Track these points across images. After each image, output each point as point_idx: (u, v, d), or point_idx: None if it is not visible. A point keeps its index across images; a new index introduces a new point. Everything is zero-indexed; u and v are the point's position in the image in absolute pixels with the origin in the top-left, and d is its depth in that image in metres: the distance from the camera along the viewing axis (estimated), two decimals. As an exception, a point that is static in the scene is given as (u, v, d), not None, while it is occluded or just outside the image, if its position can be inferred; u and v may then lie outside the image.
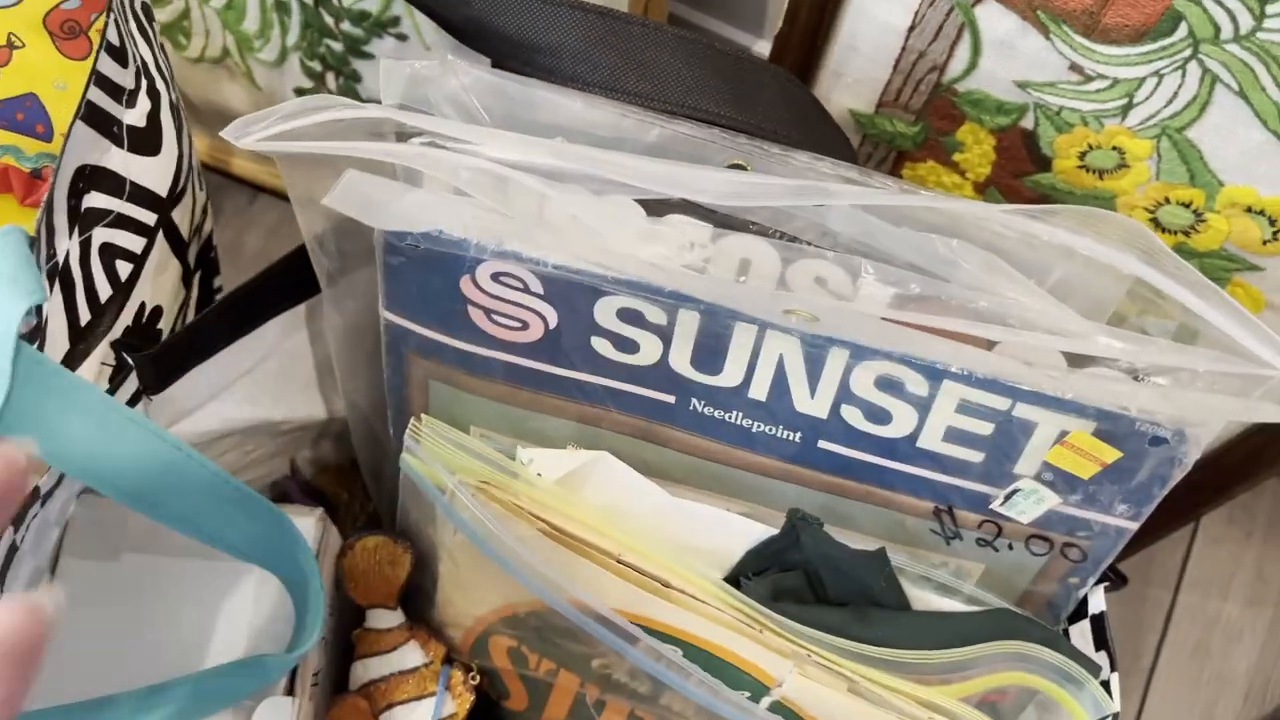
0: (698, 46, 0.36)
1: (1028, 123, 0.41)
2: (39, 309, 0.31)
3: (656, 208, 0.35)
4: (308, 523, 0.40)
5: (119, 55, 0.33)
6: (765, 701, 0.36)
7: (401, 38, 0.54)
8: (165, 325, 0.43)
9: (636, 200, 0.35)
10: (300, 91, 0.61)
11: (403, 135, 0.36)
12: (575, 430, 0.39)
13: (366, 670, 0.43)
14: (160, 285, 0.41)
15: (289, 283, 0.40)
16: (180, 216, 0.40)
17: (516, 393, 0.38)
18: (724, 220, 0.36)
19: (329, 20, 0.55)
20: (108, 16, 0.32)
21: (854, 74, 0.44)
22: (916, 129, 0.44)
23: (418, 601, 0.44)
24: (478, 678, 0.43)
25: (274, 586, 0.39)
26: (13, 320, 0.26)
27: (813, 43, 0.43)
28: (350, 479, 0.55)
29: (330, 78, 0.59)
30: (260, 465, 0.50)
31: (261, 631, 0.39)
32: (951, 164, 0.45)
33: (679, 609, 0.36)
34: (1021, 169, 0.43)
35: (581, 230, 0.34)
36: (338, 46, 0.56)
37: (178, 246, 0.41)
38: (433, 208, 0.33)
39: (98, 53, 0.32)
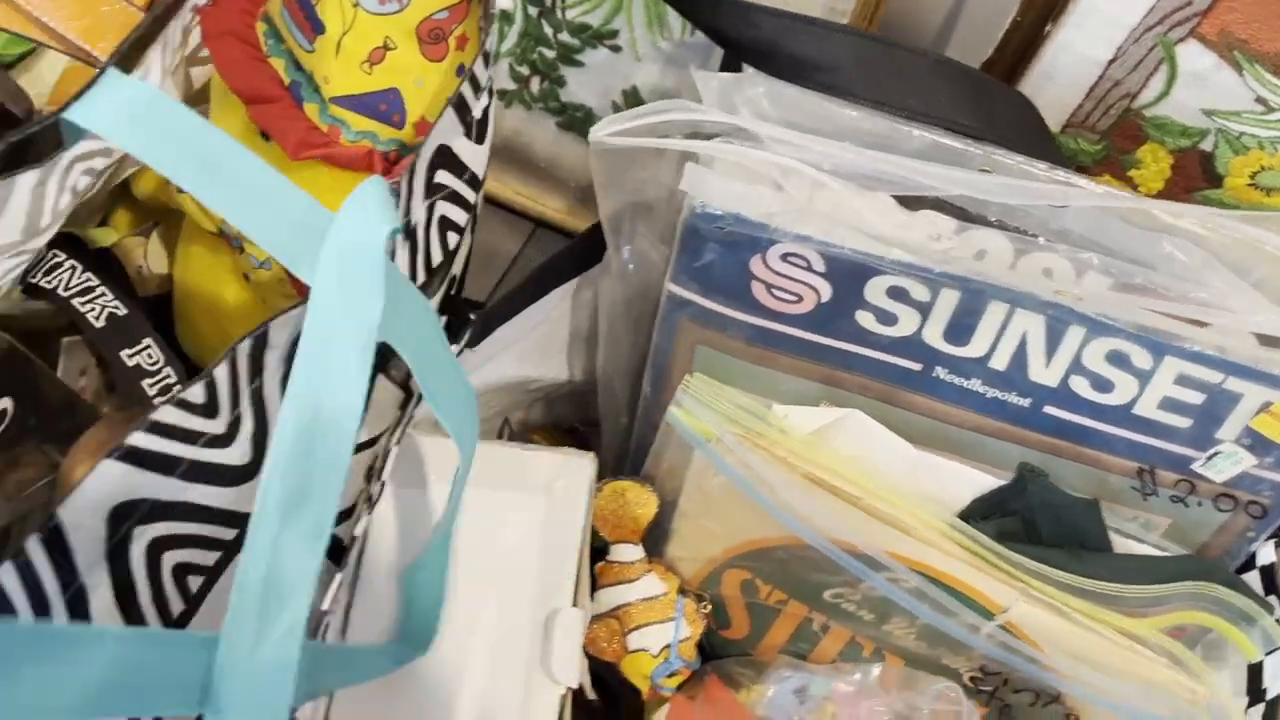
0: (953, 68, 0.42)
1: (1207, 145, 0.48)
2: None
3: (911, 203, 0.42)
4: (584, 463, 0.47)
5: (485, 58, 0.40)
6: (991, 624, 0.43)
7: (616, 49, 0.61)
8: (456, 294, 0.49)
9: (894, 196, 0.42)
10: (501, 94, 0.67)
11: (697, 133, 0.42)
12: (821, 391, 0.45)
13: (612, 597, 0.49)
14: (460, 258, 0.47)
15: (575, 257, 0.47)
16: (479, 199, 0.47)
17: (776, 357, 0.44)
18: (966, 215, 0.42)
19: (548, 30, 0.61)
20: (487, 26, 0.38)
21: (1046, 98, 0.50)
22: (1099, 147, 0.51)
23: (653, 537, 0.50)
24: (709, 607, 0.49)
25: (540, 510, 0.46)
26: (382, 238, 0.31)
27: (1014, 70, 0.50)
28: (553, 441, 0.62)
29: (535, 81, 0.66)
30: (485, 422, 0.57)
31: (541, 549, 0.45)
32: (1126, 178, 0.52)
33: (917, 544, 0.43)
34: (1193, 185, 0.50)
35: (850, 218, 0.41)
36: (550, 54, 0.63)
37: (474, 225, 0.48)
38: (746, 195, 0.40)
39: (477, 55, 0.39)
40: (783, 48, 0.43)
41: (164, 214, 0.55)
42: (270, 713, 0.28)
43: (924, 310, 0.41)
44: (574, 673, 0.43)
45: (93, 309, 0.47)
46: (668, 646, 0.48)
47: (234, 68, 0.42)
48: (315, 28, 0.41)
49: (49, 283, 0.47)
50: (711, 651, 0.52)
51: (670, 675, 0.48)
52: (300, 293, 0.47)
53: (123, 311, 0.48)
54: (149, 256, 0.55)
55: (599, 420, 0.61)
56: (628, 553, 0.49)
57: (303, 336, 0.29)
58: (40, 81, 0.53)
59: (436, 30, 0.41)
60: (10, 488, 0.43)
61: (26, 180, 0.37)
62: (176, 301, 0.53)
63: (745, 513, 0.45)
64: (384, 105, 0.42)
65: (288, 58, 0.42)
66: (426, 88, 0.42)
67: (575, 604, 0.45)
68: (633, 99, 0.63)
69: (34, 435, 0.46)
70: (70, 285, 0.47)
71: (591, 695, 0.45)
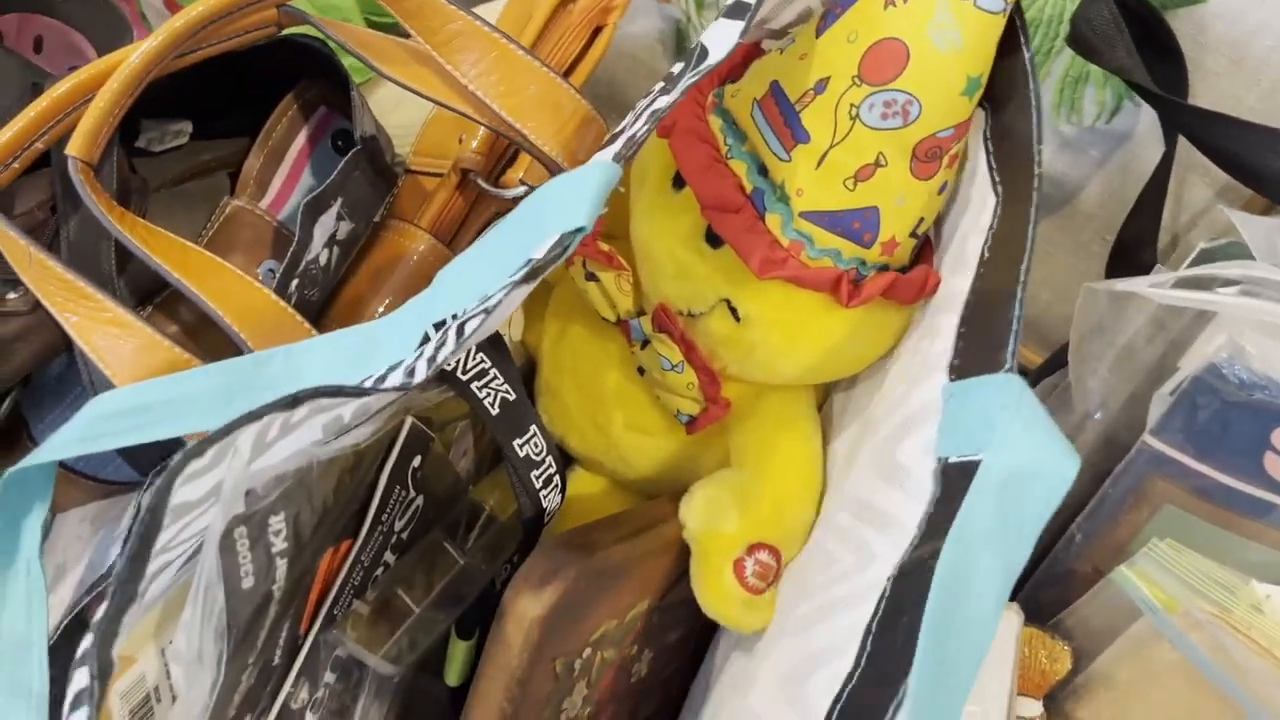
0: None
1: None
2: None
3: None
4: (1009, 613, 0.43)
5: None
6: None
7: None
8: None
9: None
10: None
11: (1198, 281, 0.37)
12: (1303, 571, 0.40)
13: (1010, 754, 0.45)
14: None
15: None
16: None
17: (1265, 531, 0.39)
18: None
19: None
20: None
21: None
22: None
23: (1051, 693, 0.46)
24: (1115, 778, 0.45)
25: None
26: (1068, 478, 0.27)
27: None
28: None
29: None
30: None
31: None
32: None
33: None
34: None
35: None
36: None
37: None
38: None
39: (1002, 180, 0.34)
40: (1321, 185, 0.37)
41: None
42: None
43: None
44: None
45: (488, 394, 0.45)
46: (1074, 819, 0.44)
47: (697, 171, 0.38)
48: (797, 136, 0.37)
49: (447, 365, 0.45)
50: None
51: None
52: (711, 401, 0.44)
53: (513, 397, 0.46)
54: (512, 325, 0.53)
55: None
56: (1028, 708, 0.45)
57: (944, 554, 0.25)
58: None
59: (935, 149, 0.36)
60: (419, 591, 0.41)
61: (530, 287, 0.35)
62: (545, 376, 0.51)
63: (1196, 695, 0.40)
64: (858, 224, 0.38)
65: (750, 161, 0.38)
66: (906, 207, 0.38)
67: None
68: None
69: (432, 527, 0.44)
70: (467, 368, 0.45)
71: None
